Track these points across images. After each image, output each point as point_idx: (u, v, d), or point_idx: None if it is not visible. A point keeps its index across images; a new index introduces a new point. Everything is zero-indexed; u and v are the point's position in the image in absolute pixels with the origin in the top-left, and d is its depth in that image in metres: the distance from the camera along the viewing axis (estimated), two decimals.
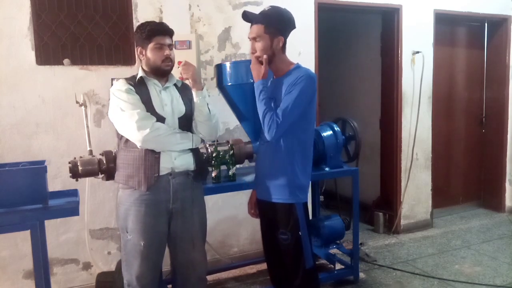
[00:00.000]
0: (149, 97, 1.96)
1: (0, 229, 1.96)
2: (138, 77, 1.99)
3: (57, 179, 2.78)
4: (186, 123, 2.04)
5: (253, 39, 1.94)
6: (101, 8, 2.87)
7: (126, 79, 2.00)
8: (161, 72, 2.00)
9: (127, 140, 1.95)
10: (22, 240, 2.71)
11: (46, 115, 2.78)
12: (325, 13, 3.67)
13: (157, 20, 2.93)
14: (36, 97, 2.75)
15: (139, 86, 1.96)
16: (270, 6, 1.99)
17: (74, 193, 2.28)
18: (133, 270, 1.96)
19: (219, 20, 3.19)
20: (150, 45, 1.95)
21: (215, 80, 2.85)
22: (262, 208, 2.14)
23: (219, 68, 2.68)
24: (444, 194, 4.60)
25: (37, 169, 2.04)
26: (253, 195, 2.23)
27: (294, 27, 2.03)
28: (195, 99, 2.05)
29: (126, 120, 1.86)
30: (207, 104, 2.07)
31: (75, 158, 2.25)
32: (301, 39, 3.37)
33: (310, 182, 2.26)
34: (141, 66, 2.04)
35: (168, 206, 1.99)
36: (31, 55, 2.72)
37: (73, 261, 2.94)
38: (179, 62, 2.07)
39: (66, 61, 2.80)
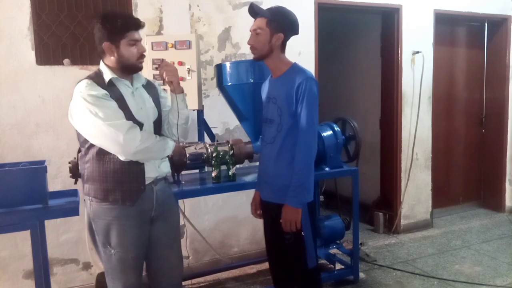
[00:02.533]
0: (124, 101, 1.76)
1: (0, 229, 1.96)
2: (107, 78, 1.76)
3: (57, 179, 2.78)
4: (158, 126, 1.93)
5: (254, 31, 1.96)
6: (101, 8, 2.86)
7: (92, 79, 1.75)
8: (134, 70, 1.83)
9: (100, 151, 1.75)
10: (22, 240, 2.71)
11: (46, 115, 2.78)
12: (325, 13, 3.67)
13: (157, 21, 2.98)
14: (36, 97, 2.75)
15: (110, 88, 1.74)
16: (277, 5, 2.01)
17: (74, 193, 2.28)
18: (123, 282, 1.84)
19: (219, 20, 3.19)
20: (123, 41, 1.74)
21: (215, 80, 2.86)
22: (266, 209, 2.14)
23: (219, 68, 2.68)
24: (444, 194, 4.60)
25: (37, 169, 2.04)
26: (256, 196, 2.22)
27: (297, 33, 2.04)
28: (175, 101, 1.89)
29: (109, 131, 1.66)
30: (187, 106, 1.96)
31: (75, 158, 2.25)
32: (301, 39, 3.33)
33: (317, 181, 2.27)
34: (104, 63, 1.80)
35: (150, 214, 1.89)
36: (31, 55, 2.72)
37: (73, 261, 2.95)
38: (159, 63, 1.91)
39: (66, 61, 2.80)
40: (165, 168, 1.98)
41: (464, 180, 4.80)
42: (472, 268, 3.29)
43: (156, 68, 1.92)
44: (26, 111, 2.73)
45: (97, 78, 1.76)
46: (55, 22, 2.77)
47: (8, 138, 2.71)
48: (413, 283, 3.07)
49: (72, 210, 2.08)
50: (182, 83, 2.00)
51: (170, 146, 1.91)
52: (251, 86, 2.56)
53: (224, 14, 3.20)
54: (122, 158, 1.73)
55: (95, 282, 2.73)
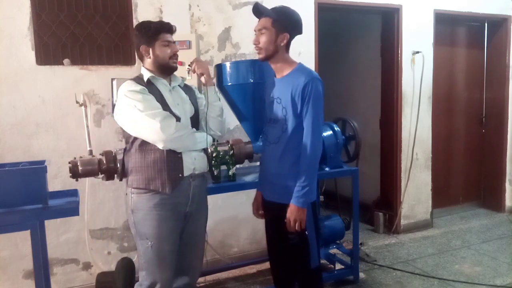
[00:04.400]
0: (162, 97, 1.92)
1: (0, 229, 1.96)
2: (146, 78, 1.93)
3: (57, 179, 2.78)
4: (195, 122, 2.04)
5: (259, 31, 1.96)
6: (101, 8, 2.87)
7: (134, 80, 1.93)
8: (169, 69, 1.98)
9: (142, 143, 1.88)
10: (22, 240, 2.71)
11: (46, 115, 2.78)
12: (325, 13, 3.67)
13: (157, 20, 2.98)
14: (36, 97, 2.75)
15: (149, 86, 1.91)
16: (281, 5, 2.01)
17: (74, 193, 2.28)
18: (158, 277, 1.90)
19: (219, 20, 3.19)
20: (157, 43, 1.92)
21: (215, 80, 2.85)
22: (269, 208, 2.13)
23: (219, 68, 2.68)
24: (444, 194, 4.60)
25: (37, 169, 2.04)
26: (258, 196, 2.21)
27: (301, 32, 2.04)
28: (208, 94, 2.04)
29: (147, 120, 1.80)
30: (219, 99, 2.10)
31: (75, 158, 2.25)
32: (301, 39, 3.30)
33: (318, 181, 2.28)
34: (144, 67, 1.98)
35: (185, 209, 1.97)
36: (31, 55, 2.72)
37: (73, 261, 2.94)
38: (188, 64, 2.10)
39: (66, 61, 2.80)
40: (202, 163, 2.03)
41: (464, 180, 4.80)
42: (472, 268, 3.29)
43: (190, 65, 2.10)
44: (26, 111, 2.73)
45: (137, 79, 1.94)
46: (55, 22, 2.77)
47: (8, 138, 2.70)
48: (413, 283, 3.07)
49: (72, 210, 2.08)
50: None
51: (204, 139, 2.01)
52: (251, 86, 2.56)
53: (224, 14, 3.20)
54: (160, 146, 1.85)
55: (95, 282, 2.73)
